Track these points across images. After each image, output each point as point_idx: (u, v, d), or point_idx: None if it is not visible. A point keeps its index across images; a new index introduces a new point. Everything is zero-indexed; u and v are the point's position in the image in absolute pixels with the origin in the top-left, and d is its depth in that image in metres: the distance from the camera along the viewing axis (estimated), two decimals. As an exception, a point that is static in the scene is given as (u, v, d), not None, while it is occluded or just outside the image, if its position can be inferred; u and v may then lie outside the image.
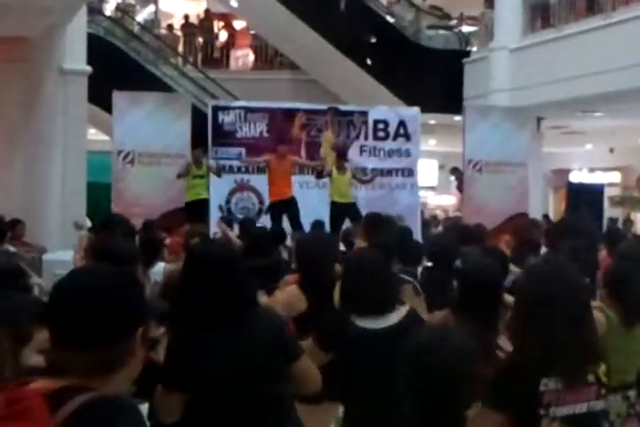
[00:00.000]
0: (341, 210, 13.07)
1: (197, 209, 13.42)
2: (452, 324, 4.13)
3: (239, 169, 14.78)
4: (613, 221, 16.41)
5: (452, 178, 18.37)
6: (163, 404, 3.47)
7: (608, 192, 20.50)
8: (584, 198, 16.61)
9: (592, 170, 26.06)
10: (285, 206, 13.12)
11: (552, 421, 3.19)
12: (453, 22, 21.55)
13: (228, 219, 12.77)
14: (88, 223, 13.20)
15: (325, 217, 12.68)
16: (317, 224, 11.30)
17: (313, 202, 13.98)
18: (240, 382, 3.41)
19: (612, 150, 24.57)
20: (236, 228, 11.31)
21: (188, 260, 3.69)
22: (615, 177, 25.62)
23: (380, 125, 15.46)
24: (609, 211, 19.09)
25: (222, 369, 3.40)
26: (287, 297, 5.05)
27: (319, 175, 13.86)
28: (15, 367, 2.26)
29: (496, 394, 3.18)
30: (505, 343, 3.91)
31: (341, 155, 13.90)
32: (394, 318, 4.09)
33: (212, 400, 3.43)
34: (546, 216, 18.05)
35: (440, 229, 16.14)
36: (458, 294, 4.36)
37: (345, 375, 4.06)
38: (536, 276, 3.56)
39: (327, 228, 12.03)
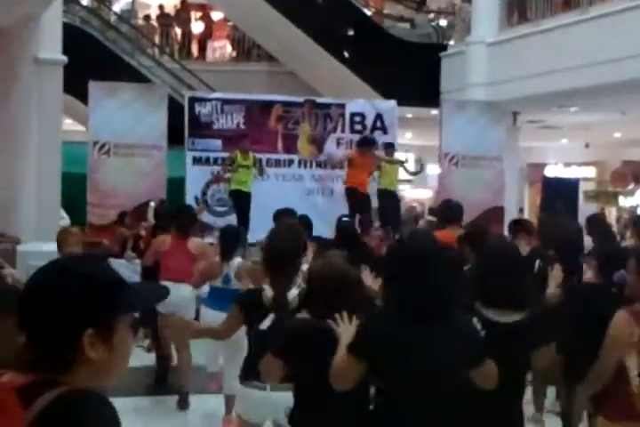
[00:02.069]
0: (387, 198, 13.93)
1: (241, 200, 13.57)
2: None
3: (215, 161, 14.74)
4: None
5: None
6: (342, 372, 3.65)
7: (583, 187, 20.62)
8: (559, 193, 16.70)
9: (567, 164, 26.19)
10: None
11: None
12: (430, 16, 21.55)
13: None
14: (65, 217, 13.13)
15: (302, 209, 12.69)
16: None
17: (289, 194, 13.99)
18: (430, 378, 3.52)
19: (587, 145, 24.70)
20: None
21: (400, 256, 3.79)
22: (590, 172, 25.78)
23: (357, 118, 15.49)
24: (584, 205, 19.18)
25: (417, 364, 3.51)
26: None
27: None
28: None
29: None
30: None
31: (391, 145, 14.70)
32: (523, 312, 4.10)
33: (401, 392, 3.59)
34: (521, 210, 18.14)
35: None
36: None
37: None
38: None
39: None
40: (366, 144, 13.79)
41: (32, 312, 1.92)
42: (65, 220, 12.89)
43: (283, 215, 9.24)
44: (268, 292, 4.77)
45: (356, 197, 13.38)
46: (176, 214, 8.74)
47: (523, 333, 4.00)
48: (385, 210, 13.79)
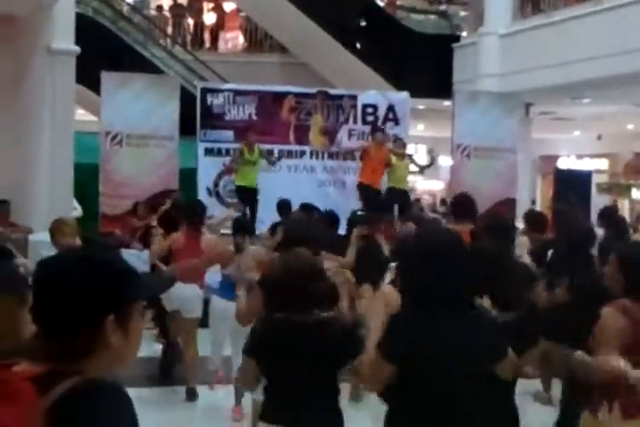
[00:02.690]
0: (396, 196, 13.46)
1: (246, 196, 13.51)
2: None
3: (227, 152, 14.75)
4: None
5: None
6: (373, 373, 3.58)
7: (595, 179, 20.55)
8: (571, 185, 16.65)
9: (580, 156, 26.11)
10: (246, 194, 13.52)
11: None
12: (443, 7, 21.49)
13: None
14: (77, 208, 13.13)
15: (314, 201, 12.69)
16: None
17: (301, 186, 14.00)
18: (459, 373, 3.45)
19: (599, 137, 24.62)
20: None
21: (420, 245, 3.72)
22: (603, 164, 25.69)
23: (369, 110, 15.46)
24: (596, 197, 19.13)
25: (445, 359, 3.44)
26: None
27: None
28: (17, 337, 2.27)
29: None
30: None
31: (400, 139, 14.45)
32: None
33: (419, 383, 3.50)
34: (533, 202, 18.10)
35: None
36: None
37: None
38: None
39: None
40: (380, 130, 13.83)
41: (49, 301, 1.94)
42: (77, 210, 12.91)
43: (308, 209, 9.36)
44: None
45: (369, 194, 13.38)
46: (188, 211, 8.70)
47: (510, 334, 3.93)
48: (392, 208, 13.59)
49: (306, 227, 5.17)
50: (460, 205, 8.74)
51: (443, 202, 17.61)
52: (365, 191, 13.55)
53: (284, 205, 10.84)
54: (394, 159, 13.91)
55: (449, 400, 3.47)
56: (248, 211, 13.22)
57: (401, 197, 13.92)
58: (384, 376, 3.53)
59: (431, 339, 3.44)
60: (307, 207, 9.96)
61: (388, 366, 3.49)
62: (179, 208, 9.37)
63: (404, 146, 14.46)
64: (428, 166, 15.32)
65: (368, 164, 13.69)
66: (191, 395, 8.07)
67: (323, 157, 15.15)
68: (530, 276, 5.96)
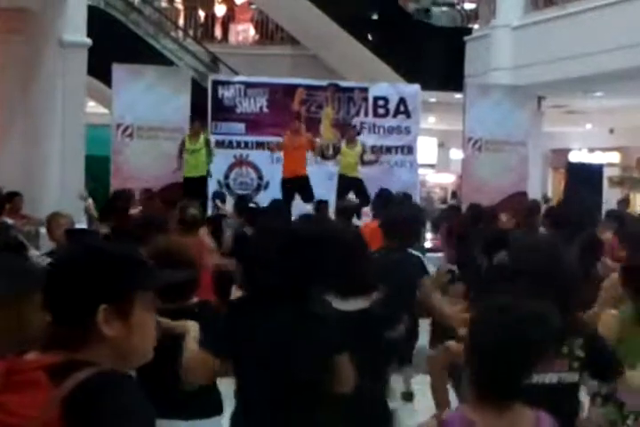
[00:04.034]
0: (348, 184, 13.12)
1: (194, 186, 13.16)
2: None
3: (238, 144, 14.75)
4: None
5: None
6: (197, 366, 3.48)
7: (607, 172, 20.48)
8: (583, 178, 16.61)
9: (592, 150, 26.01)
10: (297, 185, 13.09)
11: None
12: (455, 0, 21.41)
13: (220, 193, 12.79)
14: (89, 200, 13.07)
15: (324, 193, 12.68)
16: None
17: (313, 178, 13.96)
18: (274, 365, 3.36)
19: (611, 131, 24.52)
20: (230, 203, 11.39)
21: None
22: (615, 157, 25.59)
23: (380, 102, 15.43)
24: (608, 191, 19.06)
25: (266, 349, 3.36)
26: None
27: (324, 155, 13.87)
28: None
29: None
30: None
31: (353, 127, 14.04)
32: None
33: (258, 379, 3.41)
34: (545, 196, 18.03)
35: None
36: None
37: None
38: (525, 246, 3.55)
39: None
40: (296, 119, 13.60)
41: (53, 289, 1.94)
42: (88, 200, 12.84)
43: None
44: None
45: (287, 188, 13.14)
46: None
47: (369, 321, 3.87)
48: (344, 196, 12.94)
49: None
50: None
51: (454, 195, 17.55)
52: (282, 185, 13.29)
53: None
54: (344, 146, 13.65)
55: (274, 401, 3.36)
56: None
57: (352, 184, 13.31)
58: (211, 370, 3.47)
59: (253, 333, 3.37)
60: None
61: (212, 359, 3.42)
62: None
63: (357, 134, 14.13)
64: (374, 162, 14.58)
65: (286, 154, 13.36)
66: None
67: (334, 150, 15.11)
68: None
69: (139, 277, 1.98)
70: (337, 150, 14.04)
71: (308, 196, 12.86)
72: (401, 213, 7.14)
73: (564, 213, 9.00)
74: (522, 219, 9.14)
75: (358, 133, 14.14)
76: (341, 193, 12.91)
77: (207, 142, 13.67)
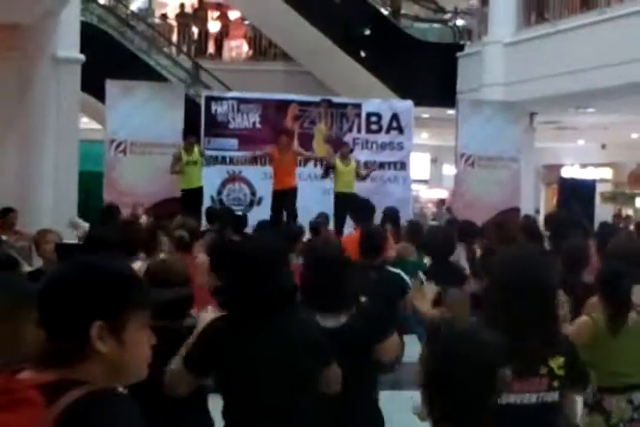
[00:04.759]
0: (344, 201, 13.09)
1: (192, 198, 13.31)
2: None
3: (231, 160, 14.77)
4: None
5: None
6: (175, 379, 3.49)
7: (600, 188, 20.53)
8: (575, 194, 16.63)
9: (584, 166, 26.11)
10: (284, 196, 13.11)
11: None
12: (447, 16, 21.51)
13: (213, 209, 12.74)
14: (84, 223, 12.98)
15: (318, 208, 12.66)
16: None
17: (306, 193, 13.96)
18: (268, 377, 3.37)
19: (603, 146, 24.62)
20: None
21: (237, 252, 3.66)
22: (607, 173, 25.69)
23: (373, 118, 15.47)
24: (600, 207, 19.11)
25: (252, 362, 3.37)
26: None
27: (326, 173, 13.87)
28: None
29: None
30: None
31: (346, 144, 14.06)
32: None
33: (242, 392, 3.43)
34: (537, 211, 18.08)
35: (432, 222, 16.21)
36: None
37: None
38: (507, 261, 3.53)
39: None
40: (285, 133, 13.61)
41: (47, 305, 1.95)
42: (82, 227, 12.59)
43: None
44: None
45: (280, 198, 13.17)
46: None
47: (353, 336, 3.88)
48: (342, 214, 12.77)
49: None
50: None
51: (448, 210, 17.54)
52: (273, 198, 13.35)
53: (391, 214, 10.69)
54: (339, 164, 13.63)
55: (267, 412, 3.38)
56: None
57: (349, 201, 13.00)
58: (188, 385, 3.50)
59: (240, 348, 3.39)
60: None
61: (190, 376, 3.46)
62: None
63: (350, 151, 14.11)
64: (366, 177, 14.64)
65: (277, 169, 13.41)
66: None
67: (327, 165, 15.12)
68: None
69: (133, 294, 1.98)
70: (327, 168, 14.00)
71: (292, 210, 12.93)
72: (379, 229, 7.16)
73: (537, 227, 9.06)
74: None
75: (351, 151, 14.13)
76: (339, 211, 12.88)
77: (202, 154, 13.75)
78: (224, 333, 3.44)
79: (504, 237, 7.99)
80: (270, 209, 13.08)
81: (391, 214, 10.55)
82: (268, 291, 3.40)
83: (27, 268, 6.32)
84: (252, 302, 3.41)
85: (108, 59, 15.79)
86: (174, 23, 22.62)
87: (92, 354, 1.90)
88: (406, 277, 5.98)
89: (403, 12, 21.06)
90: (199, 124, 14.71)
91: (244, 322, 3.42)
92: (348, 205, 12.79)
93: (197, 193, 13.60)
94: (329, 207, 13.04)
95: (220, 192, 14.75)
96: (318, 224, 10.46)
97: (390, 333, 4.08)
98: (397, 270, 6.14)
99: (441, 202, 22.08)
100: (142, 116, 14.06)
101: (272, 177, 13.55)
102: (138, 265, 5.88)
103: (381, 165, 15.21)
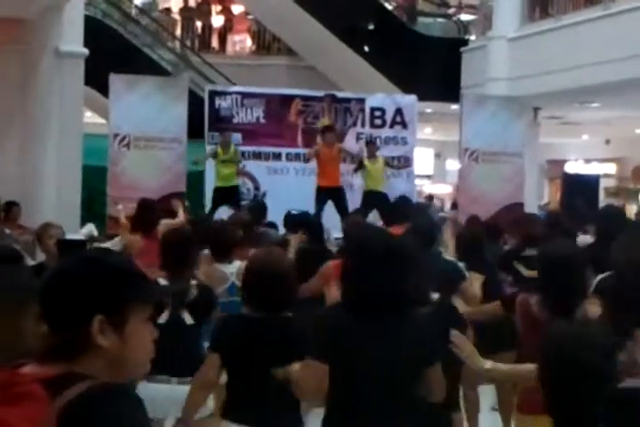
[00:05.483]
0: (373, 199, 13.15)
1: (224, 196, 13.23)
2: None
3: (235, 155, 14.75)
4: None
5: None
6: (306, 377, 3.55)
7: (603, 183, 20.53)
8: (579, 189, 16.64)
9: (588, 161, 26.07)
10: (333, 195, 13.09)
11: None
12: (452, 11, 21.49)
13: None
14: (94, 231, 12.94)
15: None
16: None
17: (308, 189, 13.95)
18: (383, 376, 3.40)
19: (608, 141, 24.58)
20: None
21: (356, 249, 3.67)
22: (611, 168, 25.65)
23: (377, 113, 15.46)
24: (604, 202, 19.08)
25: (370, 361, 3.39)
26: None
27: (357, 168, 13.83)
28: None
29: None
30: None
31: (373, 143, 14.03)
32: None
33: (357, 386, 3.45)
34: (541, 207, 18.06)
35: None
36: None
37: None
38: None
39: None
40: (331, 131, 13.56)
41: (50, 298, 1.96)
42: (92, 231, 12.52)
43: None
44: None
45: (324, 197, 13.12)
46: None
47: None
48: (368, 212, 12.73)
49: None
50: None
51: (454, 206, 17.54)
52: (317, 194, 13.27)
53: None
54: (367, 163, 13.68)
55: (379, 403, 3.42)
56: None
57: (377, 199, 13.29)
58: (320, 380, 3.49)
59: (360, 339, 3.41)
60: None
61: (322, 367, 3.46)
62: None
63: (376, 149, 14.17)
64: (401, 167, 14.85)
65: (322, 165, 13.34)
66: None
67: (304, 160, 15.02)
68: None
69: (135, 288, 1.99)
70: (359, 164, 13.92)
71: (342, 208, 12.89)
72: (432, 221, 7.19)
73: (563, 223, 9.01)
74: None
75: (378, 148, 14.18)
76: (367, 208, 12.88)
77: (236, 152, 13.67)
78: (346, 328, 3.46)
79: (531, 234, 7.97)
80: (314, 206, 12.86)
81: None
82: (399, 289, 3.43)
83: (30, 262, 6.32)
84: (382, 301, 3.41)
85: (112, 53, 15.78)
86: (178, 17, 22.61)
87: (93, 348, 1.91)
88: (461, 265, 6.14)
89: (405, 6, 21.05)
90: (203, 118, 14.70)
91: (368, 320, 3.42)
92: (376, 203, 12.91)
93: (230, 191, 13.42)
94: (329, 203, 12.98)
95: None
96: (355, 221, 10.04)
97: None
98: (452, 258, 6.22)
99: (429, 197, 22.07)
100: (146, 111, 14.04)
101: (316, 173, 13.46)
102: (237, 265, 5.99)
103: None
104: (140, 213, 8.39)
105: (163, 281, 4.93)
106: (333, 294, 5.57)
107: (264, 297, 4.08)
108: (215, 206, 13.06)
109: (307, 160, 13.89)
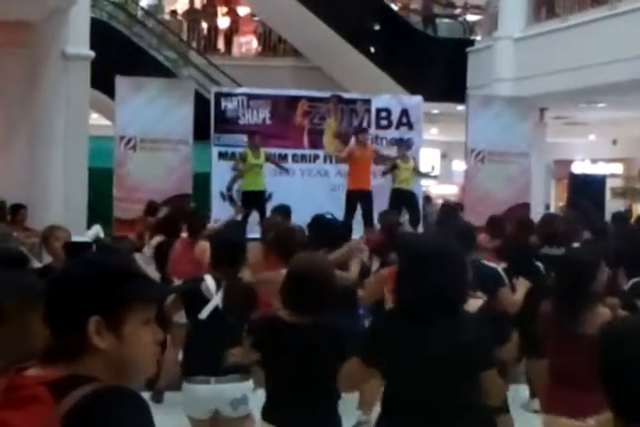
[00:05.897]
0: (402, 198, 13.31)
1: (252, 200, 13.10)
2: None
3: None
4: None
5: None
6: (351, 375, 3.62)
7: (610, 183, 20.48)
8: (586, 189, 16.60)
9: (594, 161, 26.03)
10: (361, 198, 13.16)
11: None
12: (458, 11, 21.47)
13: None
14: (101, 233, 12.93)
15: (327, 205, 12.62)
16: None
17: (314, 190, 13.97)
18: (429, 378, 3.41)
19: (614, 142, 24.53)
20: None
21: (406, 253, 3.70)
22: (617, 168, 25.59)
23: (383, 114, 15.45)
24: (610, 202, 19.05)
25: (423, 362, 3.40)
26: None
27: (389, 170, 13.81)
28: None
29: None
30: None
31: (405, 143, 14.27)
32: None
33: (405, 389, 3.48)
34: (547, 207, 18.04)
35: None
36: None
37: None
38: None
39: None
40: (363, 131, 13.65)
41: (49, 301, 1.97)
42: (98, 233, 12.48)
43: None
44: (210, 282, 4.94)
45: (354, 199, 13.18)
46: (189, 218, 8.60)
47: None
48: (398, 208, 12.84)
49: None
50: None
51: (459, 206, 17.48)
52: (348, 197, 13.29)
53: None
54: (399, 161, 13.73)
55: (432, 405, 3.42)
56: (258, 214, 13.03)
57: (406, 198, 13.57)
58: (359, 379, 3.60)
59: (414, 342, 3.42)
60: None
61: (365, 368, 3.52)
62: (182, 214, 9.23)
63: (408, 148, 14.26)
64: (428, 175, 15.00)
65: (353, 167, 13.37)
66: (158, 395, 7.54)
67: (336, 162, 15.10)
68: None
69: (133, 289, 1.97)
70: (392, 167, 13.90)
71: (367, 212, 12.98)
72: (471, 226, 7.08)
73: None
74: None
75: (409, 148, 14.21)
76: (395, 207, 12.87)
77: (267, 157, 13.56)
78: (397, 329, 3.49)
79: (551, 233, 7.97)
80: (344, 211, 12.81)
81: None
82: (454, 289, 3.45)
83: (36, 264, 6.32)
84: (437, 301, 3.41)
85: (118, 55, 15.82)
86: (184, 19, 22.63)
87: (91, 349, 1.91)
88: (502, 272, 6.09)
89: (412, 7, 21.06)
90: (209, 120, 14.71)
91: (422, 321, 3.43)
92: (404, 201, 13.06)
93: (258, 196, 13.32)
94: (336, 204, 12.93)
95: (229, 188, 14.72)
96: (391, 222, 9.40)
97: None
98: (494, 265, 6.22)
99: (427, 198, 21.97)
100: (152, 113, 14.06)
101: (348, 175, 13.51)
102: None
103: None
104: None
105: (210, 280, 4.96)
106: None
107: (303, 301, 4.08)
108: (249, 211, 12.93)
109: (338, 161, 14.01)
